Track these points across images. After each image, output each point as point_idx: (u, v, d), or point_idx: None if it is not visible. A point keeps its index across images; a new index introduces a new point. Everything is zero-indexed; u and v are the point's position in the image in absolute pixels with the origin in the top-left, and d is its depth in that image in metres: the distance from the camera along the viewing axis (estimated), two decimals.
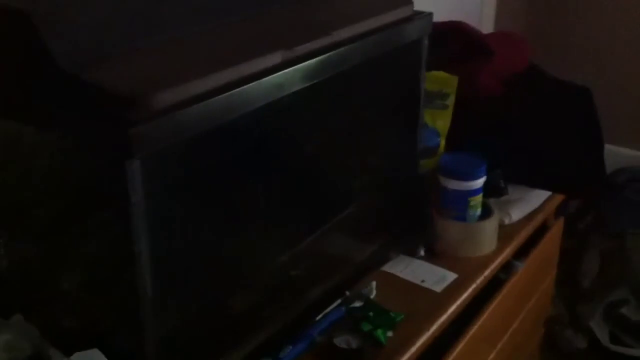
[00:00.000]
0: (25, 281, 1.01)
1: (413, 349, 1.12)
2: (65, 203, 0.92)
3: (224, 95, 0.88)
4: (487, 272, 1.32)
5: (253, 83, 0.91)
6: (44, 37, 0.82)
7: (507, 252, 1.38)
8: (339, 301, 1.18)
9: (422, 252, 1.33)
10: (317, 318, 1.14)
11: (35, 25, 0.82)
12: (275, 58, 0.96)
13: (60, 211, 0.92)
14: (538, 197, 1.51)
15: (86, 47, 0.84)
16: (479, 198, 1.33)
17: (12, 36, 0.86)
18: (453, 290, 1.25)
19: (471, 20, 1.68)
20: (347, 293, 1.20)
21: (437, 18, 1.26)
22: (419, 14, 1.22)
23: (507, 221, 1.43)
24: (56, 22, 0.83)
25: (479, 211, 1.35)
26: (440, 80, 1.45)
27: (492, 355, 1.42)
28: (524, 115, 1.51)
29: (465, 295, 1.25)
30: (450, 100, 1.45)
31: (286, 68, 0.96)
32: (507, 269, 1.42)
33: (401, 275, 1.28)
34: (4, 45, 0.87)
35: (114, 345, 0.93)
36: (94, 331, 0.94)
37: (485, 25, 2.35)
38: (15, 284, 1.02)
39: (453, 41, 1.53)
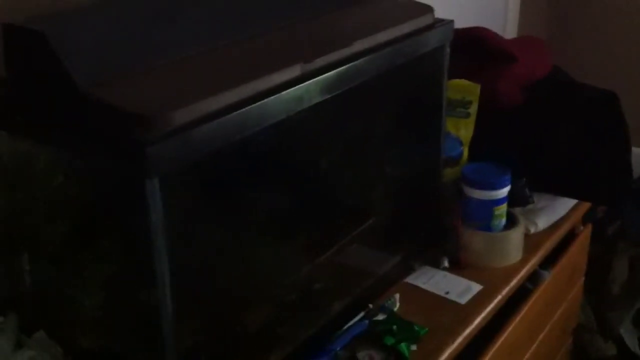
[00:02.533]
0: (47, 299, 1.01)
1: None
2: (84, 223, 0.91)
3: (242, 110, 0.87)
4: (513, 283, 1.29)
5: (271, 97, 0.90)
6: (60, 56, 0.82)
7: (534, 261, 1.36)
8: (361, 314, 1.17)
9: (446, 263, 1.31)
10: (340, 332, 1.12)
11: (52, 45, 0.82)
12: (294, 71, 0.95)
13: (80, 231, 0.92)
14: (564, 204, 1.49)
15: (101, 67, 0.84)
16: (503, 207, 1.31)
17: (29, 56, 0.86)
18: (478, 302, 1.23)
19: (495, 27, 1.66)
20: (370, 306, 1.19)
21: (460, 25, 1.25)
22: (440, 21, 1.20)
23: (533, 230, 1.40)
24: (71, 42, 0.83)
25: (504, 221, 1.32)
26: (462, 88, 1.43)
27: None
28: (548, 122, 1.49)
29: (490, 306, 1.23)
30: (473, 109, 1.43)
31: (305, 81, 0.95)
32: (534, 278, 1.39)
33: (425, 287, 1.26)
34: (21, 65, 0.87)
35: None
36: (114, 350, 0.94)
37: (509, 31, 2.33)
38: (37, 301, 1.02)
39: (475, 48, 1.51)
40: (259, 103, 0.88)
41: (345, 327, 1.14)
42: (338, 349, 1.09)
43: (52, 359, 0.98)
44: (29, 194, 0.95)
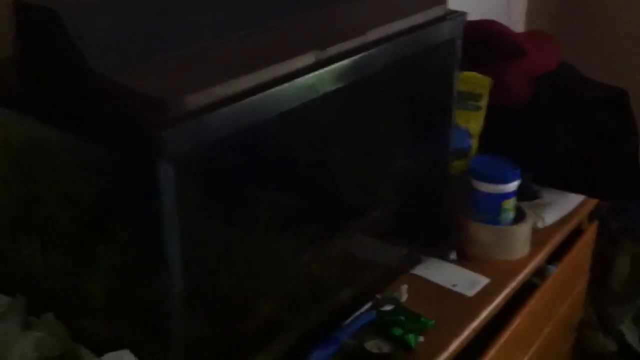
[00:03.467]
0: (56, 283, 1.00)
1: (444, 355, 1.10)
2: (95, 208, 0.91)
3: (255, 96, 0.87)
4: (520, 277, 1.29)
5: (285, 84, 0.90)
6: (73, 36, 0.81)
7: (541, 256, 1.36)
8: (369, 305, 1.17)
9: (454, 256, 1.31)
10: (347, 322, 1.12)
11: (65, 24, 0.81)
12: (308, 59, 0.94)
13: (91, 216, 0.92)
14: (572, 200, 1.49)
15: (115, 51, 0.83)
16: (512, 201, 1.31)
17: (41, 35, 0.85)
18: (485, 295, 1.23)
19: (500, 20, 1.65)
20: (378, 297, 1.18)
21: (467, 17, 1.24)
22: (453, 13, 1.20)
23: (540, 225, 1.40)
24: (85, 24, 0.82)
25: (512, 214, 1.32)
26: (473, 81, 1.42)
27: None
28: (557, 116, 1.48)
29: (497, 300, 1.23)
30: (483, 102, 1.43)
31: (319, 69, 0.95)
32: (540, 273, 1.39)
33: (432, 279, 1.26)
34: (32, 44, 0.86)
35: (143, 350, 0.92)
36: (122, 336, 0.93)
37: (515, 25, 2.32)
38: (47, 285, 1.01)
39: (484, 41, 1.50)
40: (272, 90, 0.88)
41: (353, 316, 1.14)
42: (345, 338, 1.09)
43: (60, 340, 0.97)
44: (40, 177, 0.95)
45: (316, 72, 0.94)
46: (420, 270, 1.27)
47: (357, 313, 1.15)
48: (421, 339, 1.11)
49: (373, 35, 1.03)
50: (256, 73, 0.88)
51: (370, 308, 1.16)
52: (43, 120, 0.89)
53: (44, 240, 0.98)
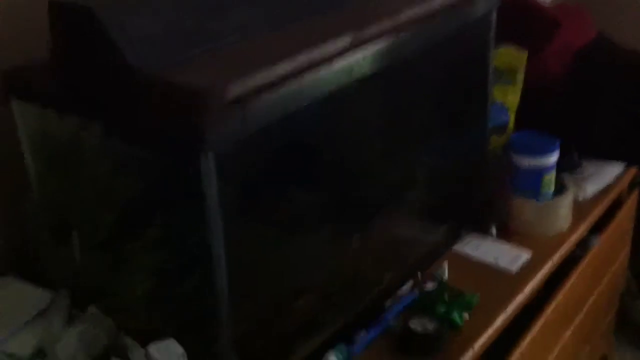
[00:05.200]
0: (99, 280, 1.00)
1: (490, 331, 1.10)
2: (138, 204, 0.91)
3: (294, 81, 0.86)
4: (562, 250, 1.28)
5: (323, 67, 0.89)
6: (110, 34, 0.81)
7: (583, 228, 1.35)
8: (411, 284, 1.17)
9: (494, 231, 1.30)
10: (390, 302, 1.13)
11: (100, 22, 0.81)
12: (345, 41, 0.94)
13: (134, 212, 0.92)
14: (612, 171, 1.47)
15: (152, 47, 0.82)
16: (552, 175, 1.30)
17: (77, 34, 0.85)
18: (528, 270, 1.22)
19: None
20: (419, 275, 1.19)
21: None
22: None
23: (581, 197, 1.39)
24: (120, 20, 0.82)
25: (552, 188, 1.31)
26: (508, 56, 1.41)
27: (568, 333, 1.39)
28: (595, 87, 1.46)
29: (541, 274, 1.22)
30: (520, 76, 1.41)
31: (356, 51, 0.94)
32: (583, 245, 1.38)
33: (474, 255, 1.25)
34: (68, 44, 0.86)
35: (188, 341, 0.93)
36: (167, 329, 0.94)
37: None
38: (90, 282, 1.01)
39: (517, 16, 1.47)
40: (309, 74, 0.87)
41: (396, 297, 1.14)
42: (390, 318, 1.10)
43: (105, 333, 0.98)
44: (81, 174, 0.95)
45: (354, 54, 0.94)
46: (462, 247, 1.27)
47: (400, 293, 1.15)
48: (466, 316, 1.11)
49: (409, 14, 1.02)
50: (292, 58, 0.87)
51: (413, 287, 1.16)
52: (85, 119, 0.89)
53: (89, 236, 0.98)
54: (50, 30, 0.87)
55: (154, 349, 0.91)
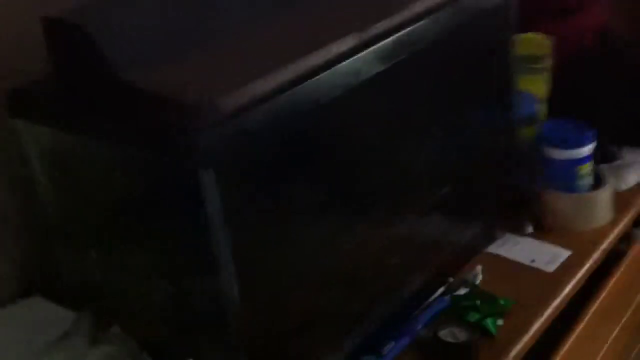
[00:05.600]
0: (115, 293, 0.99)
1: (526, 337, 1.04)
2: (142, 218, 0.89)
3: (296, 89, 0.82)
4: (604, 245, 1.21)
5: (326, 72, 0.85)
6: (101, 47, 0.79)
7: (626, 220, 1.27)
8: (442, 289, 1.12)
9: (530, 229, 1.23)
10: (419, 310, 1.07)
11: (92, 37, 0.79)
12: (348, 42, 0.89)
13: (139, 225, 0.90)
14: None
15: (144, 55, 0.80)
16: (588, 166, 1.23)
17: (70, 49, 0.83)
18: (567, 269, 1.15)
19: None
20: (451, 280, 1.13)
21: None
22: None
23: (623, 187, 1.31)
24: (111, 31, 0.80)
25: (590, 180, 1.24)
26: (532, 43, 1.33)
27: (615, 333, 1.31)
28: (629, 69, 1.38)
29: (581, 273, 1.15)
30: (546, 63, 1.34)
31: (361, 51, 0.89)
32: (627, 238, 1.30)
33: (508, 256, 1.19)
34: (62, 58, 0.85)
35: (207, 355, 0.90)
36: (184, 343, 0.92)
37: None
38: (107, 295, 1.00)
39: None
40: (312, 80, 0.83)
41: (426, 304, 1.09)
42: (419, 327, 1.04)
43: (129, 353, 0.96)
44: (83, 189, 0.94)
45: (359, 55, 0.89)
46: (495, 248, 1.21)
47: (430, 299, 1.10)
48: (500, 322, 1.05)
49: (418, 7, 0.97)
50: (294, 64, 0.83)
51: (444, 293, 1.10)
52: (87, 136, 0.87)
53: (99, 250, 0.97)
54: (46, 45, 0.86)
55: None
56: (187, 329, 0.93)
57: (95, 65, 0.81)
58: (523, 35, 1.29)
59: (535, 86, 1.34)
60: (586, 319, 1.17)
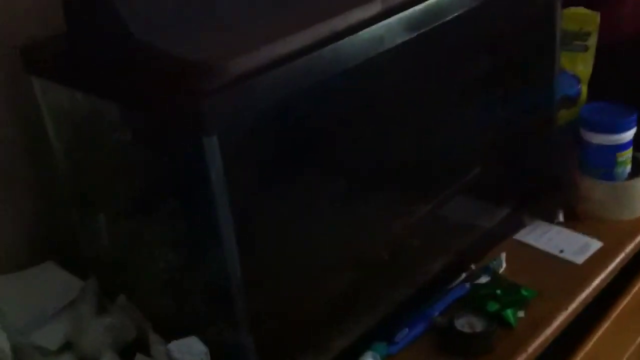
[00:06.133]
0: (122, 260, 0.97)
1: (548, 331, 0.98)
2: (148, 183, 0.85)
3: (312, 54, 0.77)
4: (638, 238, 1.14)
5: (345, 39, 0.79)
6: (116, 5, 0.75)
7: None
8: (463, 276, 1.06)
9: (561, 217, 1.17)
10: (437, 297, 1.02)
11: None
12: (374, 7, 0.83)
13: (145, 191, 0.87)
14: None
15: (157, 16, 0.76)
16: (628, 153, 1.16)
17: (85, 8, 0.80)
18: (597, 261, 1.09)
19: None
20: (473, 267, 1.07)
21: None
22: None
23: None
24: None
25: (628, 168, 1.17)
26: (579, 18, 1.26)
27: None
28: None
29: (611, 266, 1.09)
30: (592, 41, 1.26)
31: (386, 18, 0.83)
32: None
33: (536, 244, 1.13)
34: (78, 18, 0.82)
35: (209, 330, 0.86)
36: (188, 315, 0.89)
37: None
38: (114, 263, 0.98)
39: None
40: (329, 47, 0.78)
41: (444, 290, 1.03)
42: (436, 314, 0.99)
43: (133, 325, 0.94)
44: (94, 151, 0.91)
45: (384, 22, 0.83)
46: (523, 236, 1.15)
47: (450, 286, 1.04)
48: (521, 314, 0.99)
49: None
50: (313, 28, 0.78)
51: (464, 280, 1.05)
52: (98, 96, 0.84)
53: (107, 216, 0.95)
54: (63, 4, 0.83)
55: (174, 347, 0.86)
56: (190, 303, 0.90)
57: (107, 24, 0.78)
58: (569, 9, 1.22)
59: (579, 65, 1.26)
60: (614, 315, 1.11)
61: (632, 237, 1.13)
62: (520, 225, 1.16)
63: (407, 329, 0.97)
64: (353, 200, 0.95)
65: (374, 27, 0.82)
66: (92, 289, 0.96)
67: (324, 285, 0.95)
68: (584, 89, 1.28)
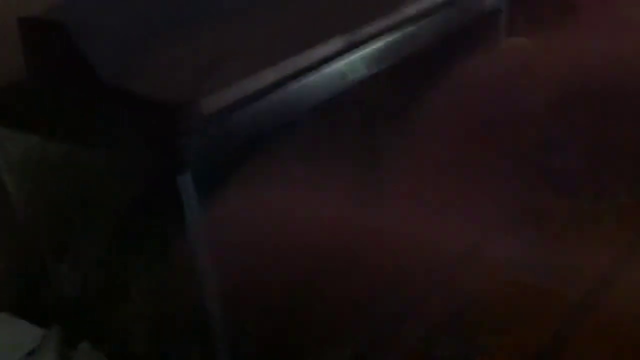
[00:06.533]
0: (87, 304, 0.96)
1: None
2: (121, 223, 0.86)
3: (279, 91, 0.79)
4: None
5: (311, 75, 0.81)
6: (81, 47, 0.76)
7: None
8: None
9: None
10: None
11: (71, 36, 0.76)
12: (336, 44, 0.86)
13: (117, 232, 0.87)
14: None
15: (123, 55, 0.77)
16: None
17: (48, 50, 0.80)
18: None
19: None
20: None
21: None
22: None
23: None
24: (91, 31, 0.76)
25: None
26: None
27: None
28: None
29: None
30: None
31: (349, 54, 0.86)
32: None
33: None
34: (40, 61, 0.82)
35: None
36: (159, 354, 0.89)
37: None
38: (79, 310, 0.97)
39: None
40: (295, 83, 0.80)
41: None
42: None
43: None
44: (55, 198, 0.90)
45: (347, 59, 0.85)
46: None
47: None
48: None
49: (411, 9, 0.93)
50: (276, 66, 0.80)
51: None
52: (65, 141, 0.84)
53: (73, 261, 0.94)
54: (23, 47, 0.82)
55: None
56: (162, 340, 0.90)
57: (73, 68, 0.78)
58: None
59: None
60: None
61: None
62: None
63: None
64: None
65: (337, 63, 0.84)
66: (55, 336, 0.96)
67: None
68: None
